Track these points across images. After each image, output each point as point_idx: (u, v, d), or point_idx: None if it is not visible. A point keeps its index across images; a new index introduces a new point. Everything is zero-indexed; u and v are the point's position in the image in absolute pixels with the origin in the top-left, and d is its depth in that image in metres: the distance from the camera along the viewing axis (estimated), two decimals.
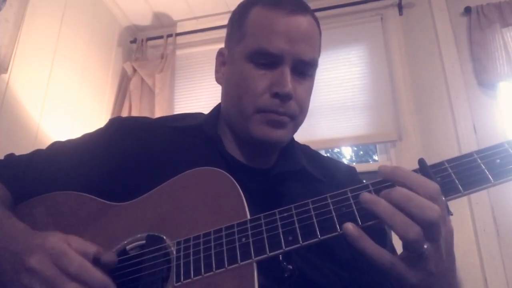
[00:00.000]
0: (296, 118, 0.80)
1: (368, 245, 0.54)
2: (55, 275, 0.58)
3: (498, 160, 0.55)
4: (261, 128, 0.77)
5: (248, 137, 0.80)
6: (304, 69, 0.79)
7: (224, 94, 0.86)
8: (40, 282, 0.58)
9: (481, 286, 1.88)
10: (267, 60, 0.77)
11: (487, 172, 0.55)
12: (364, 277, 0.73)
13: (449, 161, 0.57)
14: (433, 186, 0.53)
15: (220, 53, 0.88)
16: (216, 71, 0.89)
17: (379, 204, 0.53)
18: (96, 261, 0.61)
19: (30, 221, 0.71)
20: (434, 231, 0.51)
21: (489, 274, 1.88)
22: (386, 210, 0.52)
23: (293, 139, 0.90)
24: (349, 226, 0.54)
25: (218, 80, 0.89)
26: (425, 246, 0.52)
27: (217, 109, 0.91)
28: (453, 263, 0.57)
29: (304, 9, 0.79)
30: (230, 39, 0.86)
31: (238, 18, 0.83)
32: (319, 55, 0.83)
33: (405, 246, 0.53)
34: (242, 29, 0.81)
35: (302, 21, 0.78)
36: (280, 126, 0.77)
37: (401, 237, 0.52)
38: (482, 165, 0.55)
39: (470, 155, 0.57)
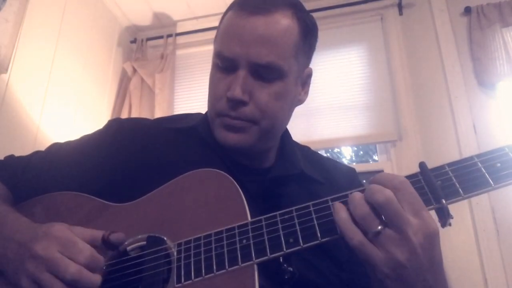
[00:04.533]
0: (259, 123, 0.76)
1: (342, 218, 0.55)
2: (58, 259, 0.59)
3: (498, 164, 0.56)
4: (220, 131, 0.78)
5: None
6: (263, 73, 0.74)
7: None
8: (44, 267, 0.59)
9: (481, 286, 1.89)
10: (224, 64, 0.76)
11: (488, 176, 0.55)
12: (362, 279, 0.73)
13: (450, 164, 0.58)
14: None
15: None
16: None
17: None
18: (105, 243, 0.64)
19: None
20: (386, 212, 0.52)
21: (489, 274, 1.88)
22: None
23: (292, 140, 0.89)
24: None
25: None
26: (379, 227, 0.52)
27: None
28: (435, 264, 0.54)
29: (268, 10, 0.74)
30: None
31: (219, 22, 0.84)
32: (286, 58, 0.75)
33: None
34: (217, 32, 0.82)
35: (260, 23, 0.73)
36: (235, 130, 0.76)
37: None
38: (482, 169, 0.56)
39: (470, 158, 0.57)
